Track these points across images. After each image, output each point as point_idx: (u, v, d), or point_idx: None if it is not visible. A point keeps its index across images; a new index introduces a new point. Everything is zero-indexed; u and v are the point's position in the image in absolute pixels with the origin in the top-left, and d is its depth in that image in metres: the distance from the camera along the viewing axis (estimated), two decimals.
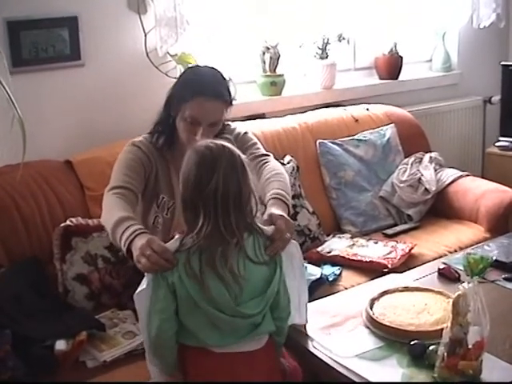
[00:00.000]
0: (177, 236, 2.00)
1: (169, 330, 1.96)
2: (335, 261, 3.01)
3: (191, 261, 1.91)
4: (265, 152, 2.63)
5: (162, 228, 2.56)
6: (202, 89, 2.41)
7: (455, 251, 3.14)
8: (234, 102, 2.55)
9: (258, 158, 2.56)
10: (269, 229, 2.05)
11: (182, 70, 3.23)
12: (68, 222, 2.74)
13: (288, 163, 3.31)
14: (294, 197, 3.22)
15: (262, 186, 2.40)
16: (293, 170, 3.30)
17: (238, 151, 2.00)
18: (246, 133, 2.67)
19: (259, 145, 2.66)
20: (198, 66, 2.70)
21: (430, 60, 4.75)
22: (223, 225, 1.91)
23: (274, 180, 2.42)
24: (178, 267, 1.92)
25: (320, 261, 3.01)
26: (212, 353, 1.98)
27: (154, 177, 2.53)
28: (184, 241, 1.95)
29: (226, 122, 2.61)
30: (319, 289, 2.70)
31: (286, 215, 2.19)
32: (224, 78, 2.52)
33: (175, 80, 2.65)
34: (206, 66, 2.58)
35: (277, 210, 2.20)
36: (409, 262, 3.00)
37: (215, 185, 1.90)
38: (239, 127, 2.69)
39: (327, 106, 3.95)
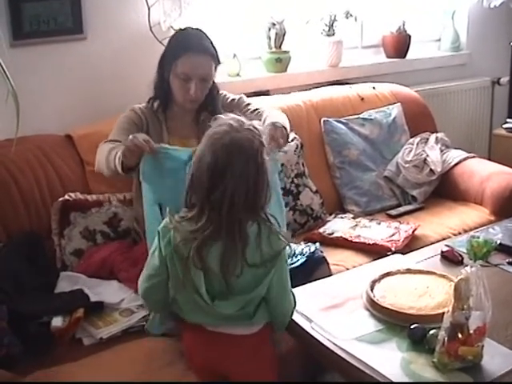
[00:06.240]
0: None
1: (154, 294, 2.04)
2: (337, 243, 2.97)
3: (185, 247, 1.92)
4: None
5: None
6: (189, 45, 2.59)
7: (459, 234, 3.11)
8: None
9: (254, 112, 2.75)
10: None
11: None
12: (66, 197, 2.72)
13: (292, 141, 3.26)
14: (297, 175, 3.20)
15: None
16: (296, 147, 3.26)
17: (257, 139, 1.92)
18: (241, 97, 2.85)
19: (254, 104, 2.84)
20: (185, 28, 2.78)
21: (439, 39, 4.71)
22: (226, 229, 1.89)
23: (273, 116, 2.64)
24: (171, 244, 1.92)
25: (321, 243, 2.87)
26: (204, 330, 2.01)
27: (145, 132, 2.55)
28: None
29: (220, 91, 2.78)
30: (319, 269, 2.65)
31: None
32: (208, 38, 2.66)
33: None
34: (191, 27, 2.72)
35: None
36: (412, 244, 2.98)
37: (223, 191, 1.86)
38: (232, 94, 2.83)
39: (333, 83, 3.91)
